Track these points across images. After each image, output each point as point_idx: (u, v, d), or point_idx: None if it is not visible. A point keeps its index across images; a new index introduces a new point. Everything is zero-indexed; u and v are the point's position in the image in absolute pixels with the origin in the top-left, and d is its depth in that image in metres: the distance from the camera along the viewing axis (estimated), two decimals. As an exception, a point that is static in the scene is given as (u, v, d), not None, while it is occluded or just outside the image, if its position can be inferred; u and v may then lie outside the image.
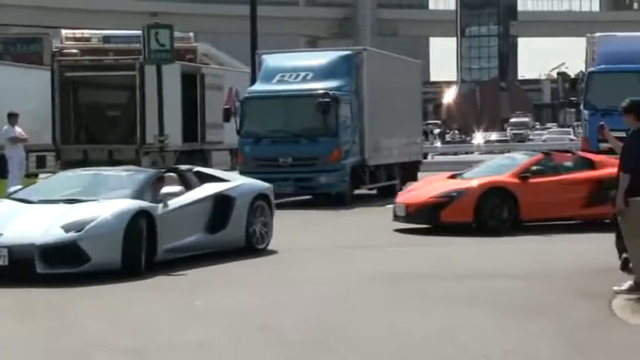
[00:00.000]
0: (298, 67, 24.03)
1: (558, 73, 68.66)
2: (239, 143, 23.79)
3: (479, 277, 11.06)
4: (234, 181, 13.92)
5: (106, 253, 11.04)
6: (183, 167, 14.62)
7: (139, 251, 11.21)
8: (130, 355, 7.30)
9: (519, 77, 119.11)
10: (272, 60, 24.84)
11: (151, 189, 12.57)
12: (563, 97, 66.58)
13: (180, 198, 12.40)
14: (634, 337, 8.13)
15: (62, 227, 11.06)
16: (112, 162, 25.12)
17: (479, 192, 15.19)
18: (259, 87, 23.98)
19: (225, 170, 27.92)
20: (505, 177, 15.96)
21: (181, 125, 28.70)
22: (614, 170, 16.74)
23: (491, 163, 17.61)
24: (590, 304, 9.22)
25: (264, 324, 8.32)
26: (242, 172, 22.05)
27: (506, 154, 19.30)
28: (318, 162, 22.06)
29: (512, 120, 74.53)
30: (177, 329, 8.55)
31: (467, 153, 51.09)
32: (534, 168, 16.16)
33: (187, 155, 28.32)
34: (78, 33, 38.29)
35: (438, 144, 57.30)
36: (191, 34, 33.72)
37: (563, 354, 7.20)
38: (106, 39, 38.52)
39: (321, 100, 22.07)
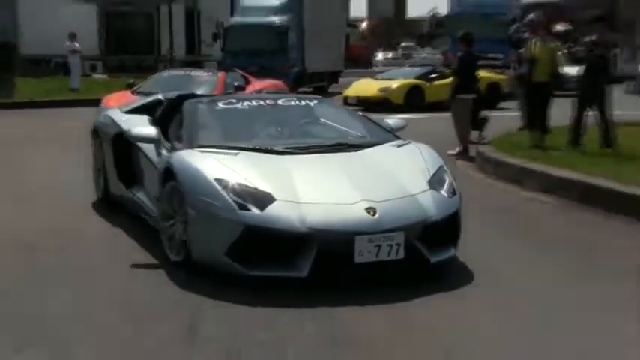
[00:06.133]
0: (261, 7, 28.42)
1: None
2: (222, 57, 27.87)
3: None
4: None
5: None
6: None
7: None
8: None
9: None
10: (244, 1, 29.68)
11: None
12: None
13: None
14: (480, 182, 11.38)
15: (432, 187, 6.76)
16: (139, 68, 30.09)
17: None
18: (237, 19, 28.56)
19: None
20: None
21: (185, 43, 34.48)
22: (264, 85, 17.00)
23: None
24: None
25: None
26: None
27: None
28: (275, 70, 24.89)
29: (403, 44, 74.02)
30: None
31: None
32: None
33: (188, 64, 32.25)
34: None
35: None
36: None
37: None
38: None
39: (278, 27, 26.91)
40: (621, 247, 7.75)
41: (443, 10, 45.58)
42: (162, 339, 5.34)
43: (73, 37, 27.86)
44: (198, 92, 13.23)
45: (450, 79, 19.58)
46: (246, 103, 8.44)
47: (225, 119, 8.10)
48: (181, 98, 8.67)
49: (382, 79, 25.37)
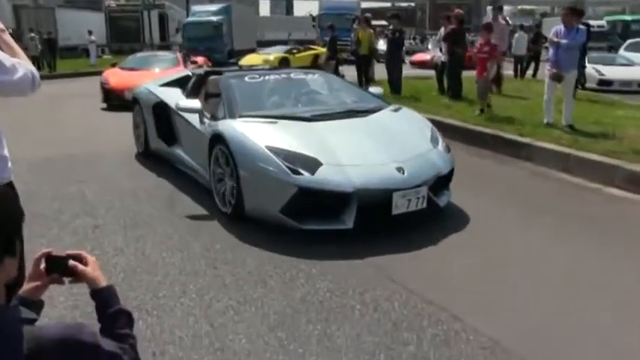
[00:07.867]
0: (205, 11, 30.55)
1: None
2: (182, 42, 29.22)
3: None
4: None
5: None
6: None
7: None
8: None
9: None
10: (195, 7, 32.19)
11: None
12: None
13: None
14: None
15: (434, 146, 5.95)
16: (132, 51, 25.22)
17: None
18: (190, 19, 30.38)
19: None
20: None
21: (159, 35, 35.73)
22: None
23: None
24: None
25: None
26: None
27: None
28: (215, 50, 26.96)
29: None
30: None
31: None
32: None
33: (161, 47, 31.20)
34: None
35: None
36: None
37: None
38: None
39: (215, 23, 28.84)
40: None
41: (315, 11, 46.32)
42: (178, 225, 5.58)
43: (90, 33, 30.31)
44: (163, 66, 13.62)
45: (304, 53, 24.28)
46: (267, 77, 7.17)
47: (255, 91, 6.81)
48: (207, 74, 7.69)
49: (263, 53, 26.12)
